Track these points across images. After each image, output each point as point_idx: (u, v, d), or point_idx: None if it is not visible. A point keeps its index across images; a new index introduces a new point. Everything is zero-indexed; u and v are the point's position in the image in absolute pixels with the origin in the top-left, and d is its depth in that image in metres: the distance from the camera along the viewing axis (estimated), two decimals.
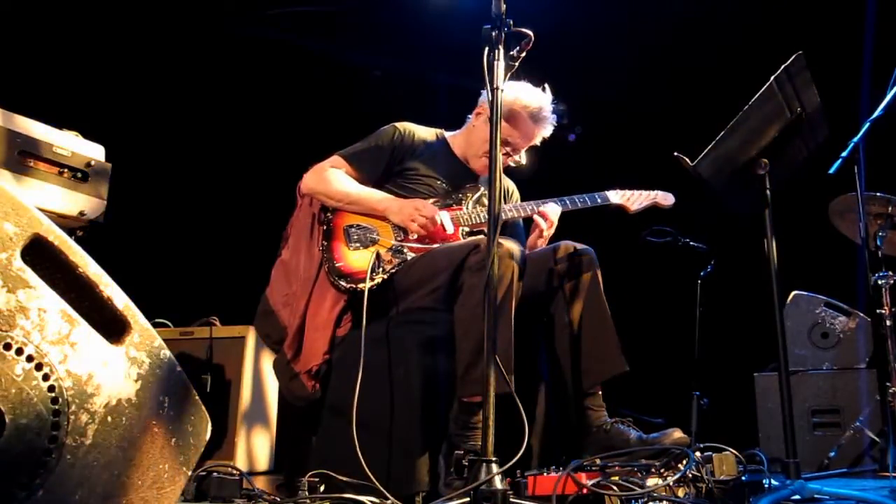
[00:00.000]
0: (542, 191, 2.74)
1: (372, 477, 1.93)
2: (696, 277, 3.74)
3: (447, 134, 2.80)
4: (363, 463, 1.97)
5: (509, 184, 2.90)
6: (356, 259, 2.44)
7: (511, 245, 2.25)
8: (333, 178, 2.54)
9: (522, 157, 2.74)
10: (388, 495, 1.86)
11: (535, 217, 2.65)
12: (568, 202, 2.67)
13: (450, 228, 2.55)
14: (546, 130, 2.73)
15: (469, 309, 2.20)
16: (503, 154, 2.67)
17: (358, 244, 2.48)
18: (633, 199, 2.74)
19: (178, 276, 4.33)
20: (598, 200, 2.71)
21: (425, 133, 2.75)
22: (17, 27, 3.91)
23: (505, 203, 2.72)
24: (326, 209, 2.55)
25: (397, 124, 2.70)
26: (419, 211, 2.47)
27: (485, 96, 2.69)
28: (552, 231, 2.67)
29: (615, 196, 2.72)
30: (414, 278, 2.38)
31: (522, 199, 2.85)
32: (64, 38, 4.09)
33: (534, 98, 2.67)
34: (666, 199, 2.79)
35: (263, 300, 2.60)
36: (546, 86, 2.72)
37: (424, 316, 2.35)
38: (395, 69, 5.22)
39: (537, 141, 2.74)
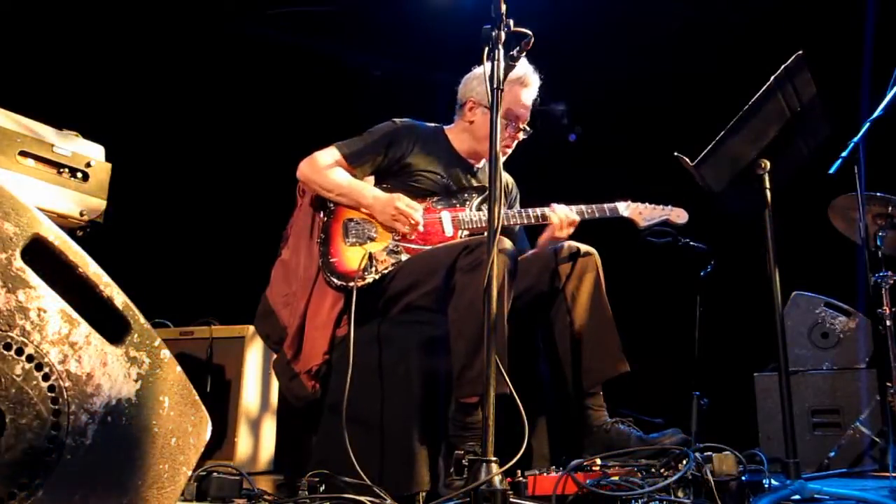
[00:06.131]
0: (545, 195, 2.71)
1: (364, 476, 1.93)
2: (696, 277, 3.73)
3: (445, 128, 2.78)
4: (354, 462, 1.98)
5: (509, 179, 2.87)
6: (351, 257, 2.44)
7: (502, 243, 2.20)
8: (327, 169, 2.54)
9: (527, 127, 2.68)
10: (384, 494, 1.85)
11: (549, 214, 2.59)
12: (574, 212, 2.60)
13: (449, 231, 2.53)
14: (532, 91, 2.67)
15: (461, 310, 2.19)
16: (517, 133, 2.65)
17: (354, 240, 2.48)
18: (645, 214, 2.65)
19: (177, 276, 4.33)
20: (607, 212, 2.63)
21: (425, 129, 2.73)
22: (17, 27, 3.91)
23: (504, 198, 2.68)
24: (329, 201, 2.55)
25: (396, 120, 2.69)
26: (400, 211, 2.45)
27: (461, 90, 2.73)
28: (566, 233, 2.58)
29: (625, 209, 2.64)
30: (409, 279, 2.37)
31: (526, 206, 2.79)
32: (64, 38, 4.09)
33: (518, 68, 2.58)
34: (679, 216, 2.68)
35: (263, 300, 2.60)
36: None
37: (424, 316, 2.34)
38: (395, 69, 5.22)
39: (530, 101, 2.68)
